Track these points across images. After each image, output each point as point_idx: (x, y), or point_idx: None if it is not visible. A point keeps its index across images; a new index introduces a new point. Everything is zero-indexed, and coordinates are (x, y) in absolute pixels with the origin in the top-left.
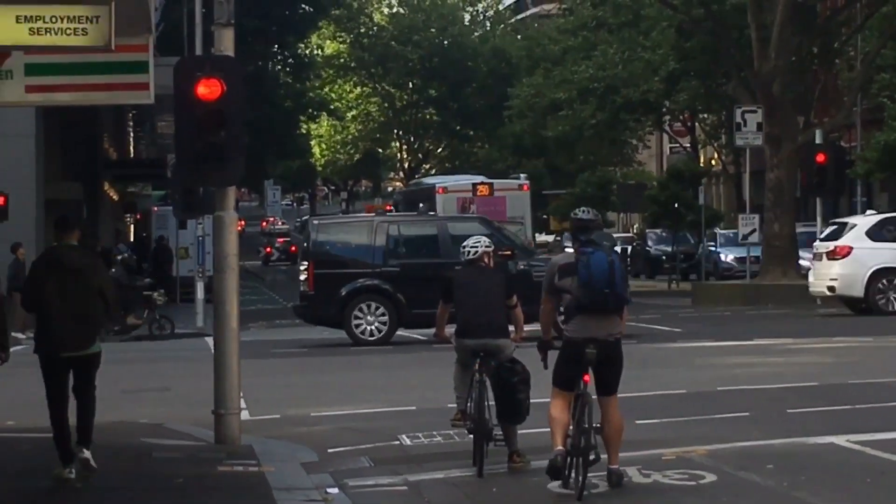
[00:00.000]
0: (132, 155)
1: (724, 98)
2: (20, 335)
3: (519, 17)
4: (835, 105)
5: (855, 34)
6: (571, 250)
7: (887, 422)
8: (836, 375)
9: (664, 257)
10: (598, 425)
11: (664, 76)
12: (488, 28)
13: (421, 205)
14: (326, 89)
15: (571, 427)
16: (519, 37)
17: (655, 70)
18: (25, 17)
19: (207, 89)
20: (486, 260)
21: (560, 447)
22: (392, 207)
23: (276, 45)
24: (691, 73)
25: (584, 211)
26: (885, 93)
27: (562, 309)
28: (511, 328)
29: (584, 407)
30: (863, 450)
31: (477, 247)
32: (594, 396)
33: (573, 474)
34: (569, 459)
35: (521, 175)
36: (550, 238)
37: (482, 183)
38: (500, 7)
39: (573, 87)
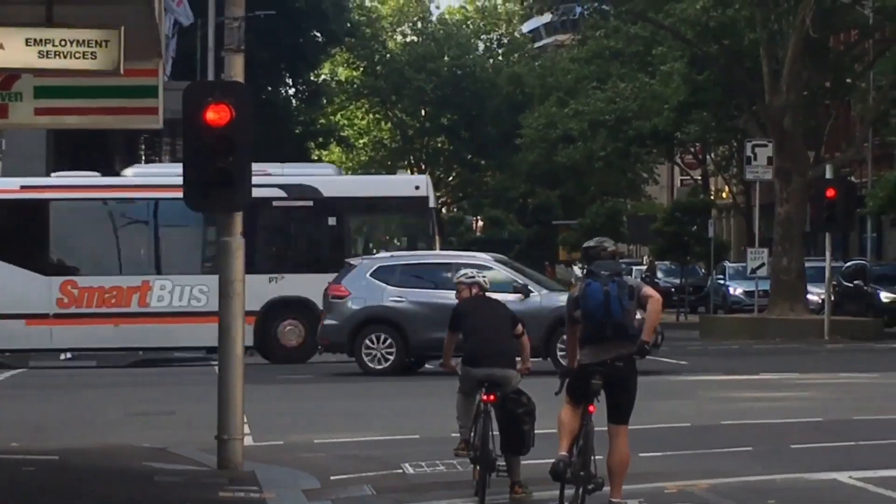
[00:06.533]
0: None
1: (735, 130)
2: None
3: (534, 45)
4: (846, 140)
5: (867, 70)
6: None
7: (891, 459)
8: (840, 411)
9: (673, 289)
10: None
11: (674, 106)
12: (501, 59)
13: None
14: (338, 116)
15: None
16: (537, 64)
17: (666, 101)
18: (35, 40)
19: (216, 115)
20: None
21: (564, 452)
22: None
23: (288, 74)
24: (703, 105)
25: (593, 240)
26: None
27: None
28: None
29: (587, 436)
30: (865, 486)
31: (474, 278)
32: (600, 426)
33: None
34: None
35: None
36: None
37: None
38: (517, 34)
39: (585, 118)
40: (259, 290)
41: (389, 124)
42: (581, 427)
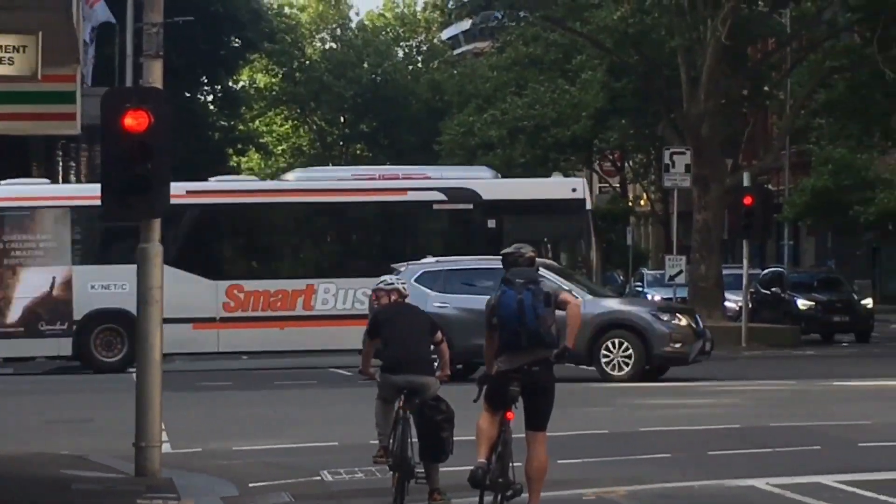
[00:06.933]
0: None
1: (653, 138)
2: None
3: (454, 52)
4: (763, 148)
5: (784, 78)
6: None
7: (807, 465)
8: (758, 418)
9: None
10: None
11: (592, 113)
12: (420, 66)
13: None
14: (257, 123)
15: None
16: (456, 71)
17: (584, 109)
18: None
19: (135, 121)
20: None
21: (483, 459)
22: None
23: (206, 80)
24: (621, 112)
25: (512, 247)
26: (823, 141)
27: None
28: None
29: (506, 443)
30: (782, 493)
31: (393, 284)
32: (518, 433)
33: None
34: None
35: None
36: None
37: None
38: (436, 42)
39: (503, 125)
40: None
41: (308, 131)
42: (499, 434)
